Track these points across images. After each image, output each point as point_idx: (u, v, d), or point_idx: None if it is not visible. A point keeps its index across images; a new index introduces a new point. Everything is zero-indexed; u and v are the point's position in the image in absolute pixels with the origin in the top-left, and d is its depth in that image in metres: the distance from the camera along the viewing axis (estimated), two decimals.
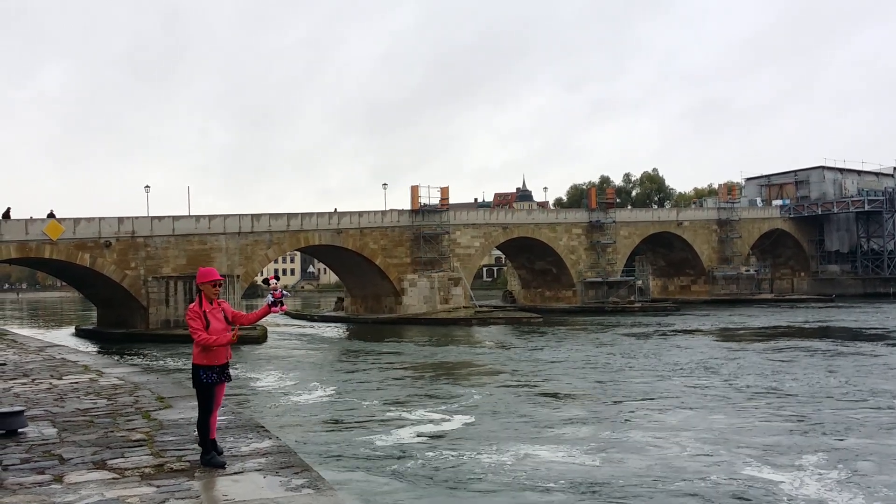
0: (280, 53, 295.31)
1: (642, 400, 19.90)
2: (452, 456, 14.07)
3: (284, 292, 6.52)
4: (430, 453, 14.35)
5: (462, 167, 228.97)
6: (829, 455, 13.62)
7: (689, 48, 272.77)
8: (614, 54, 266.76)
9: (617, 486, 12.05)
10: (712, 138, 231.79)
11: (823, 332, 38.43)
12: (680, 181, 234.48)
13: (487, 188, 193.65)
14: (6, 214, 42.61)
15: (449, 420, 17.56)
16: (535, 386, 22.83)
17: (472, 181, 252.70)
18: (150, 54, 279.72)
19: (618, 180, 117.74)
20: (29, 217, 42.62)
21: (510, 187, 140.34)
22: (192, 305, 6.36)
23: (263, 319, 8.09)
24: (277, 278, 6.71)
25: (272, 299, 6.43)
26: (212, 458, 6.25)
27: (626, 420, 17.21)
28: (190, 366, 6.54)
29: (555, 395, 20.99)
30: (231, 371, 6.54)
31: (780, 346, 31.98)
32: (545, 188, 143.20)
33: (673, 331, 41.54)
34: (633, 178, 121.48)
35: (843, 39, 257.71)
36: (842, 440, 14.89)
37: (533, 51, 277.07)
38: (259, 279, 55.46)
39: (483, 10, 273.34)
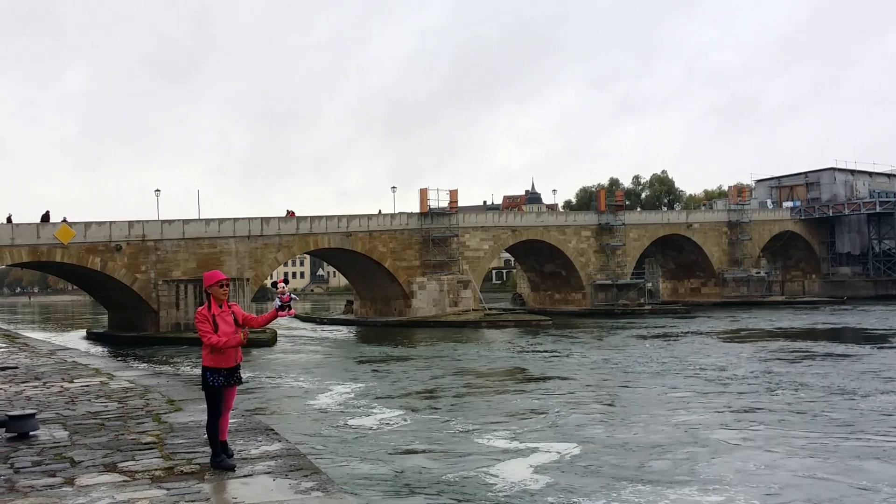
0: (303, 54, 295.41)
1: (744, 412, 17.92)
2: None
3: (293, 296, 6.54)
4: (550, 498, 11.27)
5: (480, 169, 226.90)
6: None
7: (718, 47, 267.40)
8: (642, 53, 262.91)
9: None
10: (735, 139, 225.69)
11: (846, 336, 37.84)
12: (690, 183, 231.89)
13: (501, 191, 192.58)
14: (45, 217, 43.12)
15: (544, 448, 14.30)
16: (604, 399, 20.26)
17: (490, 183, 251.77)
18: (174, 54, 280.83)
19: (627, 182, 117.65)
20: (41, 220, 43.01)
21: (521, 190, 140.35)
22: (200, 309, 6.39)
23: (273, 322, 8.12)
24: (286, 282, 6.72)
25: (280, 303, 6.45)
26: (221, 461, 6.29)
27: (771, 449, 14.20)
28: (200, 369, 6.58)
29: (641, 411, 18.40)
30: (241, 374, 6.56)
31: (810, 351, 31.24)
32: (554, 190, 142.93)
33: (687, 332, 41.29)
34: (642, 181, 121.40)
35: (875, 37, 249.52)
36: None
37: (559, 49, 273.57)
38: (268, 282, 55.63)
39: (511, 9, 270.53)
